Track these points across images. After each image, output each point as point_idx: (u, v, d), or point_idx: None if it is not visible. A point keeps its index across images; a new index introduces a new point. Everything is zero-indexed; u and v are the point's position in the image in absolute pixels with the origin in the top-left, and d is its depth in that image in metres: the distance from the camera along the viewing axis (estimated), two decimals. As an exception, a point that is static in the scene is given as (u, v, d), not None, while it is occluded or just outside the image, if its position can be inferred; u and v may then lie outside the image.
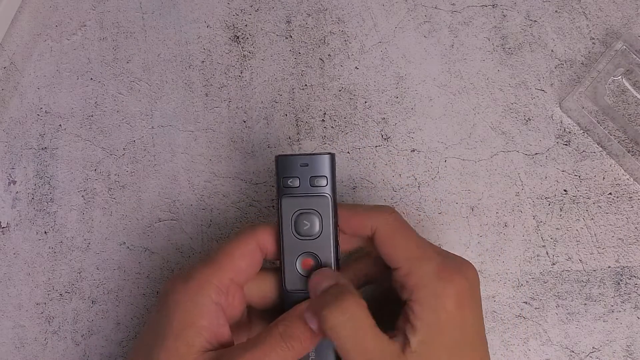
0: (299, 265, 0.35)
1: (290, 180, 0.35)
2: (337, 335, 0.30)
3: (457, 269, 0.32)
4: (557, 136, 0.43)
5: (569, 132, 0.43)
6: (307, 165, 0.34)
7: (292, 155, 0.35)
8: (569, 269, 0.41)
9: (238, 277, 0.33)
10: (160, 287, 0.34)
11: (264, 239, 0.34)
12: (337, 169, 0.42)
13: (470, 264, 0.33)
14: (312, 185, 0.34)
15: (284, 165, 0.35)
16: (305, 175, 0.35)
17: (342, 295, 0.31)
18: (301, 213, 0.35)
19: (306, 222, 0.34)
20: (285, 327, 0.31)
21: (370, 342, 0.30)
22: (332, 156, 0.35)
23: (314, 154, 0.35)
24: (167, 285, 0.33)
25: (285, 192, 0.35)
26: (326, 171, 0.34)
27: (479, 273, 0.41)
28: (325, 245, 0.34)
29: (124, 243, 0.42)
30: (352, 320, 0.30)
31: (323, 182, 0.34)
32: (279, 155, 0.35)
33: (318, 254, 0.34)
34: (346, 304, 0.30)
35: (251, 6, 0.46)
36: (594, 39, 0.44)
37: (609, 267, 0.41)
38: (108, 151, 0.44)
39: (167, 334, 0.31)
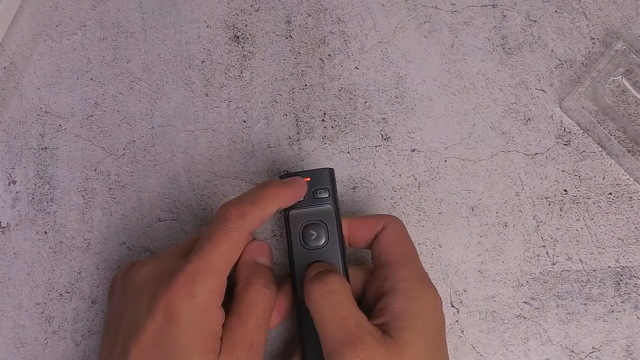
0: None
1: None
2: (317, 306, 0.32)
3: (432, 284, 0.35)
4: (557, 136, 0.43)
5: (569, 132, 0.43)
6: (309, 179, 0.37)
7: (295, 172, 0.37)
8: (569, 269, 0.41)
9: (231, 267, 0.33)
10: (153, 301, 0.31)
11: (252, 224, 0.34)
12: (337, 168, 0.42)
13: None
14: (315, 197, 0.36)
15: None
16: (309, 188, 0.36)
17: (327, 273, 0.33)
18: (307, 224, 0.36)
19: (313, 232, 0.36)
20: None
21: (349, 315, 0.31)
22: (332, 170, 0.37)
23: (314, 169, 0.37)
24: (169, 303, 0.31)
25: (291, 207, 0.36)
26: (327, 183, 0.37)
27: (479, 273, 0.41)
28: (333, 253, 0.36)
29: (124, 243, 0.42)
30: (332, 293, 0.32)
31: (325, 193, 0.36)
32: (283, 173, 0.37)
33: (327, 261, 0.36)
34: (329, 279, 0.33)
35: (251, 6, 0.46)
36: (594, 39, 0.44)
37: (609, 267, 0.41)
38: (108, 151, 0.44)
39: (190, 351, 0.30)
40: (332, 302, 0.32)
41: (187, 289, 0.31)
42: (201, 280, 0.31)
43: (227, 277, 0.36)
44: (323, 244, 0.36)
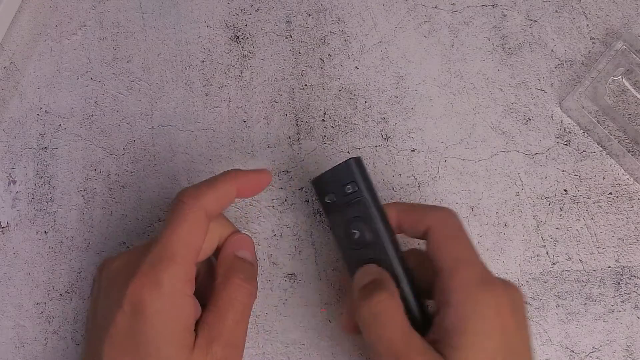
0: None
1: (328, 197, 0.35)
2: (365, 327, 0.31)
3: (501, 282, 0.32)
4: (557, 136, 0.43)
5: (569, 132, 0.43)
6: (335, 177, 0.35)
7: (321, 174, 0.35)
8: (569, 269, 0.41)
9: (197, 253, 0.32)
10: (121, 294, 0.30)
11: (208, 204, 0.33)
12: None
13: (515, 285, 0.32)
14: (345, 194, 0.34)
15: (319, 186, 0.35)
16: (337, 186, 0.35)
17: (377, 290, 0.31)
18: (348, 224, 0.34)
19: (355, 231, 0.34)
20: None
21: (398, 337, 0.30)
22: (357, 159, 0.35)
23: (335, 167, 0.35)
24: (135, 295, 0.30)
25: (328, 210, 0.35)
26: (352, 176, 0.34)
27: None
28: (382, 247, 0.34)
29: (124, 243, 0.42)
30: (382, 314, 0.31)
31: (354, 187, 0.34)
32: (313, 179, 0.35)
33: (378, 257, 0.34)
34: (378, 298, 0.31)
35: (251, 6, 0.46)
36: (594, 39, 0.45)
37: (609, 267, 0.41)
38: (108, 151, 0.44)
39: (160, 344, 0.30)
40: (382, 324, 0.30)
41: (151, 278, 0.30)
42: (164, 267, 0.30)
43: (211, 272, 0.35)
44: (370, 240, 0.34)
